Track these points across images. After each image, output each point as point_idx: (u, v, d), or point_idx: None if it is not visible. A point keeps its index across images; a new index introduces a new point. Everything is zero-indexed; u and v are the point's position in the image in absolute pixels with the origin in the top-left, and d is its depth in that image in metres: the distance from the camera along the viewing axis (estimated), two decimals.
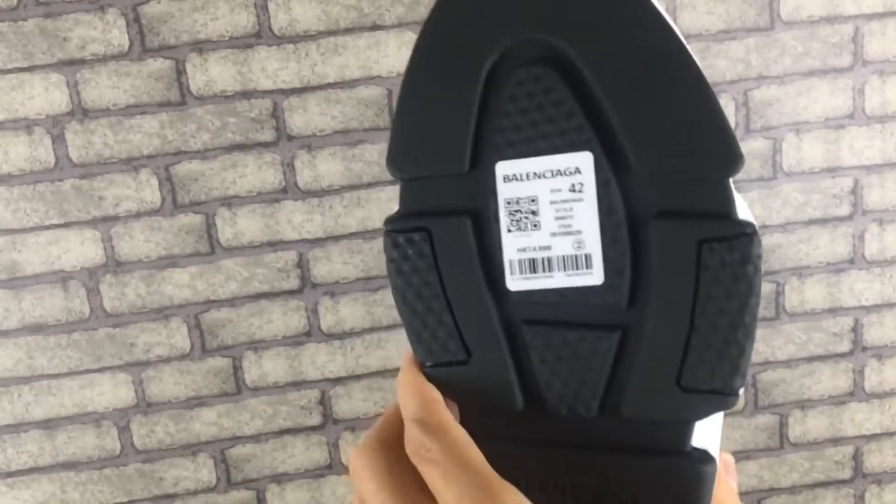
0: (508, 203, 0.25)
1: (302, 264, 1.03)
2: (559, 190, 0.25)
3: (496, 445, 0.25)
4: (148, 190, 0.99)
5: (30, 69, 0.96)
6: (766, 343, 1.08)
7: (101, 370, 1.03)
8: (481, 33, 0.25)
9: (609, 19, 0.23)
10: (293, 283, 1.03)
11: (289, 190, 1.01)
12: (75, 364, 1.03)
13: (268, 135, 0.99)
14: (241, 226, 1.01)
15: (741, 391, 0.25)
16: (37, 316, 1.01)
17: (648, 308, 0.25)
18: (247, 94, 0.98)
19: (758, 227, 1.03)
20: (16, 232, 0.99)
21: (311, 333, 1.04)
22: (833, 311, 1.08)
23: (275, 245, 1.02)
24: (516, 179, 0.25)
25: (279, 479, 1.07)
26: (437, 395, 0.26)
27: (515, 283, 0.26)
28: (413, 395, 0.26)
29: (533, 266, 0.25)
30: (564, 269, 0.25)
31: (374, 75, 0.99)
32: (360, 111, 0.99)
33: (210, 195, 1.00)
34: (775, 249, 1.06)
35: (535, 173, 0.25)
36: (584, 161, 0.24)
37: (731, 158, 0.23)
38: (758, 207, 1.05)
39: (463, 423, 0.27)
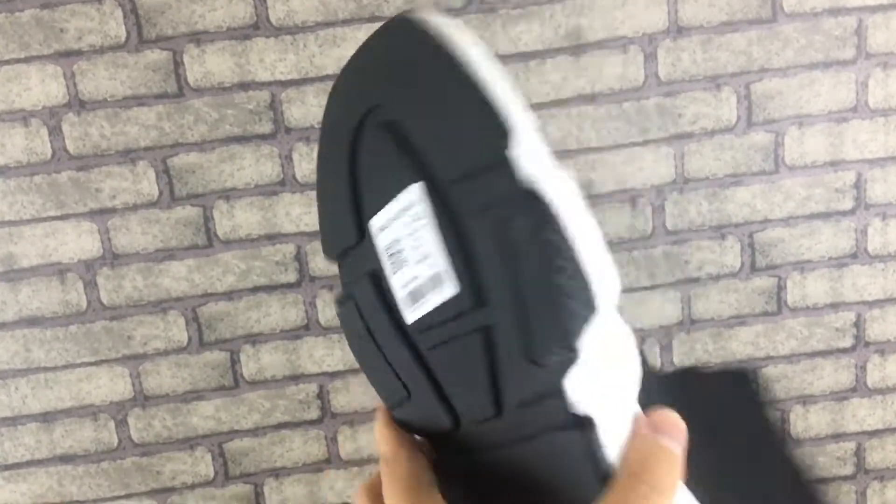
0: (386, 250, 0.28)
1: (300, 257, 1.02)
2: (408, 223, 0.27)
3: (457, 466, 0.27)
4: (145, 182, 0.99)
5: (26, 60, 0.95)
6: (768, 338, 1.08)
7: (98, 363, 1.03)
8: (341, 114, 0.29)
9: (410, 76, 0.27)
10: (291, 276, 1.02)
11: (287, 182, 1.00)
12: (72, 357, 1.02)
13: (266, 127, 0.99)
14: (239, 218, 1.01)
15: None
16: (33, 308, 1.01)
17: (490, 300, 0.26)
18: (244, 86, 0.97)
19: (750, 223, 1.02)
20: (12, 224, 0.99)
21: (310, 327, 1.04)
22: (835, 307, 1.07)
23: (273, 238, 1.01)
24: (383, 229, 0.28)
25: (277, 472, 1.07)
26: (391, 430, 0.29)
27: (409, 315, 0.28)
28: (378, 436, 0.30)
29: (413, 296, 0.28)
30: (432, 291, 0.27)
31: None
32: None
33: (208, 187, 1.00)
34: (777, 244, 1.05)
35: (390, 218, 0.28)
36: (414, 193, 0.27)
37: (499, 131, 0.24)
38: (760, 201, 1.04)
39: (435, 454, 0.30)
